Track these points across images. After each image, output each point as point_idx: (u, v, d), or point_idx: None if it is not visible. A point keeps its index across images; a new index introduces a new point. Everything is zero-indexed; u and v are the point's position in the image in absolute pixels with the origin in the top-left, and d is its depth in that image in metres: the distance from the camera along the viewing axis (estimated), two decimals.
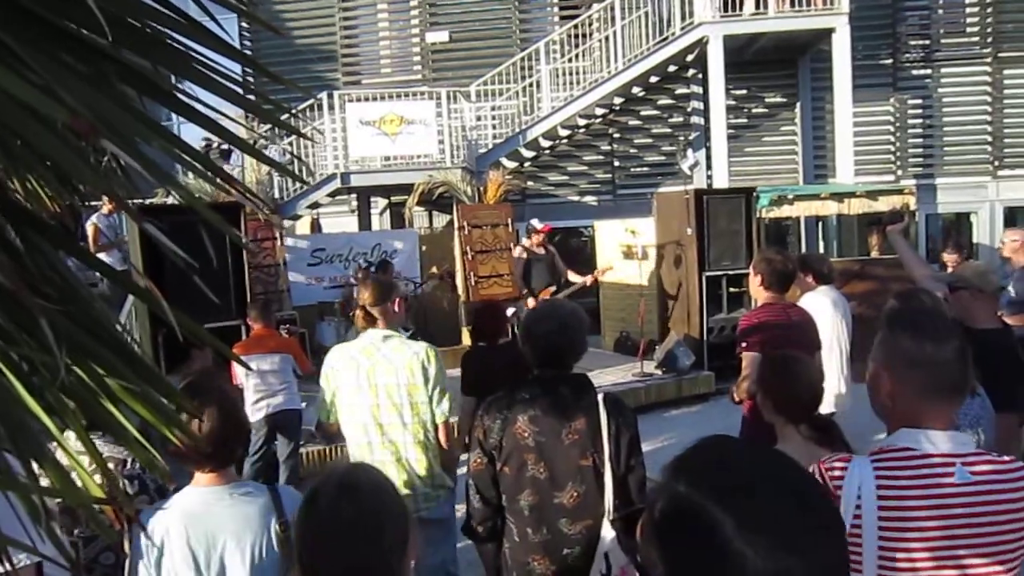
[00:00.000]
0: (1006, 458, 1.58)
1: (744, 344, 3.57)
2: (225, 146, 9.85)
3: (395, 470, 3.06)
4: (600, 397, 2.40)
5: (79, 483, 1.08)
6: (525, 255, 8.21)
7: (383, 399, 3.09)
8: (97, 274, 1.42)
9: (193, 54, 1.02)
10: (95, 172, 0.82)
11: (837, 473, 1.57)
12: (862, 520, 1.51)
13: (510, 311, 8.74)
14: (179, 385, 1.95)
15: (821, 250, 13.00)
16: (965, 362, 1.57)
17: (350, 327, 10.03)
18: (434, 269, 11.18)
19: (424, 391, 3.10)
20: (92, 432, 1.28)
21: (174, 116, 1.11)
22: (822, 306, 4.28)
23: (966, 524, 1.49)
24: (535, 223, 8.44)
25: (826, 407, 2.64)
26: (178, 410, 1.03)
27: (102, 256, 8.27)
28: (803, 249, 12.90)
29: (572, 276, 8.49)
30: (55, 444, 1.03)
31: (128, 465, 2.34)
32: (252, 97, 1.21)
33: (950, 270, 6.92)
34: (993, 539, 1.49)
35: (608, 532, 2.31)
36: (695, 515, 0.80)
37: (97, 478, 1.21)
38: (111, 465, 2.48)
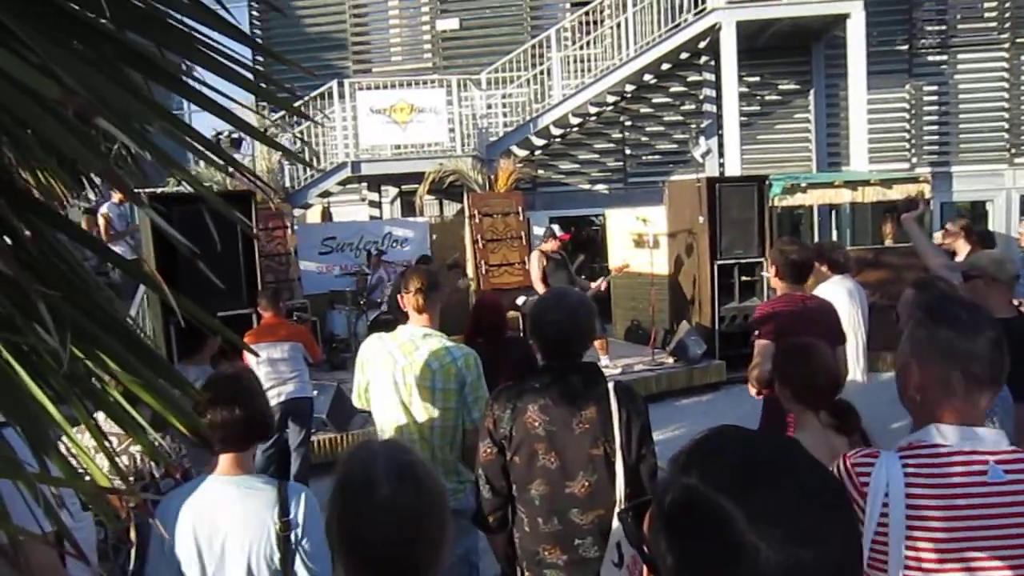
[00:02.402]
0: None
1: (758, 332, 3.55)
2: (236, 134, 9.86)
3: None
4: (611, 386, 2.37)
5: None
6: (544, 259, 8.16)
7: (415, 398, 3.04)
8: (108, 263, 1.42)
9: (202, 37, 1.01)
10: (99, 157, 0.82)
11: (864, 469, 1.52)
12: (889, 518, 1.46)
13: (520, 300, 8.74)
14: (212, 375, 1.98)
15: (834, 238, 12.90)
16: (999, 354, 1.50)
17: (361, 315, 10.06)
18: (450, 261, 11.17)
19: (457, 398, 3.03)
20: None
21: (186, 105, 1.10)
22: (838, 296, 4.23)
23: (999, 524, 1.43)
24: (556, 229, 8.39)
25: (844, 397, 2.61)
26: (187, 399, 1.03)
27: (112, 245, 8.33)
28: (816, 238, 12.80)
29: (592, 284, 8.41)
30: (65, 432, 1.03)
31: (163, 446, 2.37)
32: (263, 83, 1.19)
33: (948, 242, 6.70)
34: None
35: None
36: (705, 508, 0.79)
37: (104, 465, 1.20)
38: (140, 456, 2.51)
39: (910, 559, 1.45)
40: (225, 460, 1.93)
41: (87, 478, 1.06)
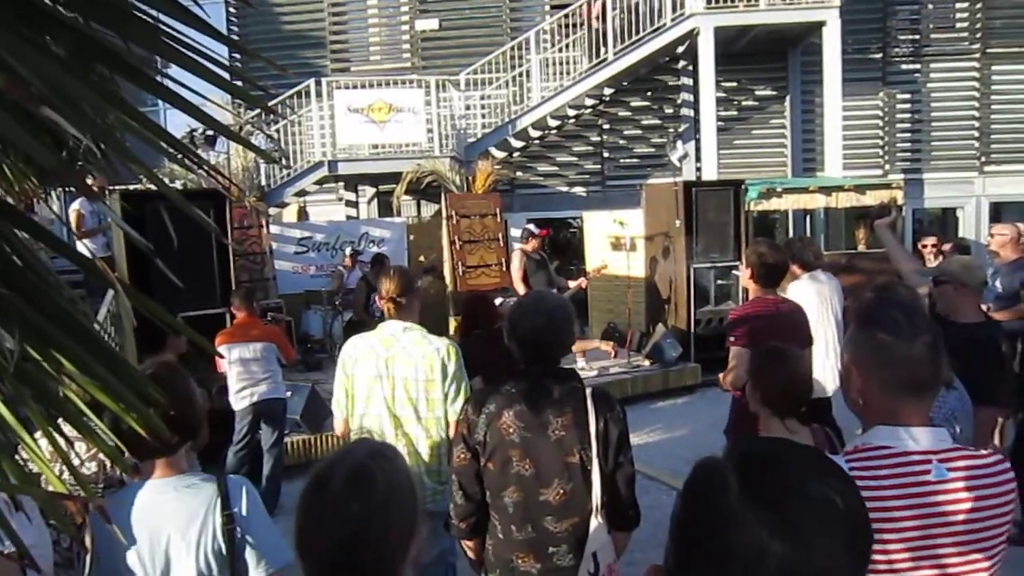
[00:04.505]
0: (984, 452, 1.54)
1: (732, 338, 3.57)
2: (210, 132, 9.74)
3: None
4: (588, 392, 2.34)
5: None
6: (526, 259, 8.14)
7: (399, 391, 3.06)
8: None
9: (173, 32, 0.98)
10: (55, 154, 0.79)
11: None
12: None
13: (498, 301, 8.73)
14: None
15: None
16: (936, 358, 1.52)
17: (337, 316, 9.99)
18: (421, 258, 11.13)
19: (441, 387, 3.06)
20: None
21: (161, 103, 1.07)
22: (806, 296, 4.27)
23: (944, 522, 1.46)
24: (533, 228, 8.37)
25: (814, 396, 2.63)
26: (143, 400, 1.00)
27: (86, 242, 8.17)
28: None
29: (570, 283, 8.43)
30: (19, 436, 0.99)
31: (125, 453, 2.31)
32: (237, 81, 1.16)
33: (928, 256, 6.98)
34: (972, 535, 1.46)
35: (596, 530, 2.29)
36: (713, 476, 0.86)
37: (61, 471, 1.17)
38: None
39: None
40: (155, 464, 1.87)
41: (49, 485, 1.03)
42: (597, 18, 12.55)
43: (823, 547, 0.80)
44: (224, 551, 1.77)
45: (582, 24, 12.69)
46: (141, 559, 1.77)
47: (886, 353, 1.52)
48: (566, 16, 12.78)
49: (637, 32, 12.35)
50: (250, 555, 1.81)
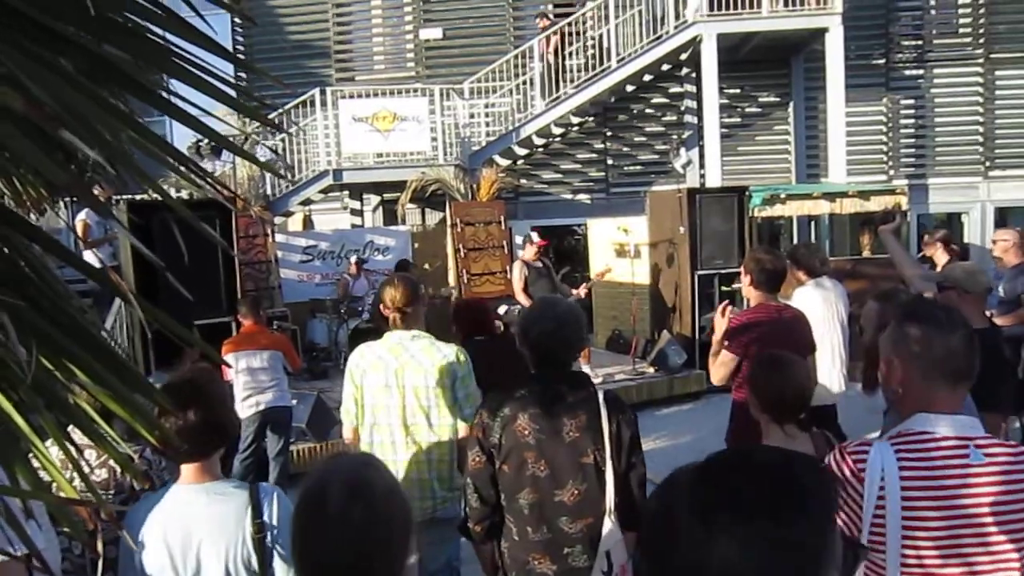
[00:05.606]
0: (1012, 442, 1.68)
1: (727, 343, 3.54)
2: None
3: (417, 471, 3.04)
4: (600, 395, 2.40)
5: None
6: (526, 270, 8.14)
7: (410, 400, 3.05)
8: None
9: (177, 50, 1.01)
10: (64, 170, 0.81)
11: (860, 457, 1.66)
12: (886, 501, 1.60)
13: (502, 309, 8.74)
14: (167, 381, 1.94)
15: None
16: (972, 350, 1.67)
17: (342, 324, 10.01)
18: (426, 266, 11.13)
19: (451, 394, 3.07)
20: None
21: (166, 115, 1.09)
22: (811, 304, 4.25)
23: (983, 503, 1.57)
24: (534, 236, 8.37)
25: (819, 404, 2.63)
26: (156, 409, 1.01)
27: (92, 252, 8.22)
28: None
29: (573, 291, 8.42)
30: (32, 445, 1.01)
31: (135, 460, 2.33)
32: (241, 95, 1.19)
33: (932, 257, 6.93)
34: (1007, 517, 1.56)
35: (610, 530, 2.31)
36: (671, 485, 0.86)
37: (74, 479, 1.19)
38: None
39: (907, 537, 1.59)
40: (190, 468, 1.89)
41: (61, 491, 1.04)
42: (554, 53, 12.60)
43: (751, 568, 0.78)
44: (254, 559, 1.79)
45: (541, 59, 12.71)
46: (173, 563, 1.78)
47: (928, 344, 1.66)
48: (569, 24, 12.82)
49: (640, 40, 12.39)
50: (279, 564, 1.82)
